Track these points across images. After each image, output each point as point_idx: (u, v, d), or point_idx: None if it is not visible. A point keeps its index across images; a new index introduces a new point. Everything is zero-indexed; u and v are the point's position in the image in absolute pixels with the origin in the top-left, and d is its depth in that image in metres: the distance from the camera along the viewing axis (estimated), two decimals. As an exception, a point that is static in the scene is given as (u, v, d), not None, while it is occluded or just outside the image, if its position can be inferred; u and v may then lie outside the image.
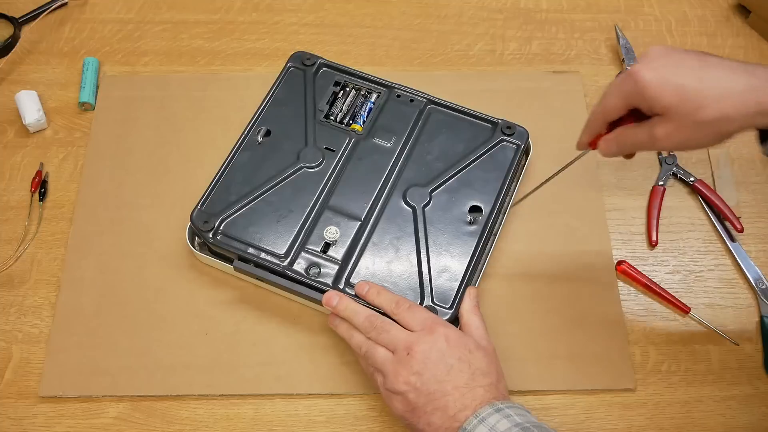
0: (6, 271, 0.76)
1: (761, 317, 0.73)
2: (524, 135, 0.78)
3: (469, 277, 0.70)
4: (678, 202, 0.80)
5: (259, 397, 0.69)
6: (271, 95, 0.81)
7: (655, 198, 0.80)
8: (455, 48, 0.92)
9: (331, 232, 0.72)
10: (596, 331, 0.72)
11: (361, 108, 0.80)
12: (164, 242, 0.76)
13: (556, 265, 0.76)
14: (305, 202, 0.74)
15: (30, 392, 0.69)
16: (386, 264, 0.71)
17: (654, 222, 0.78)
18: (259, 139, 0.78)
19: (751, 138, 0.85)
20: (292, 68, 0.83)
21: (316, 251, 0.71)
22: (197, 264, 0.75)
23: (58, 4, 0.93)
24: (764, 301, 0.74)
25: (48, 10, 0.92)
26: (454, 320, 0.68)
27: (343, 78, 0.82)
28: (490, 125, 0.79)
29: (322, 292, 0.68)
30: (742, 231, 0.78)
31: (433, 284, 0.69)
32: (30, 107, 0.83)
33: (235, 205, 0.73)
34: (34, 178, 0.80)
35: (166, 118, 0.85)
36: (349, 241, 0.72)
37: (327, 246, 0.72)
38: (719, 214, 0.79)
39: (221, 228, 0.72)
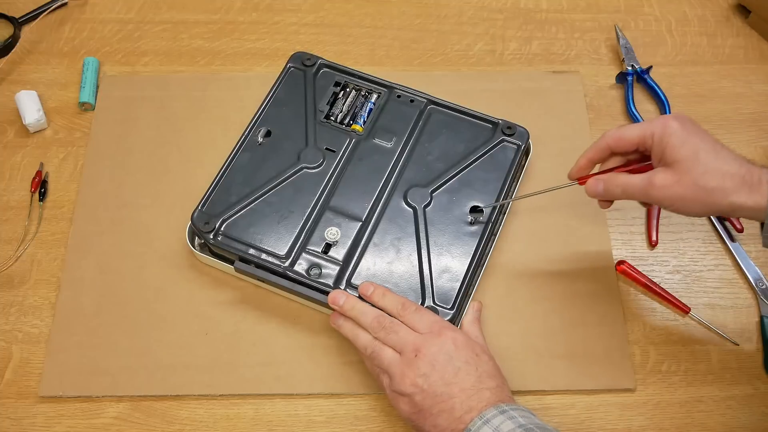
0: (6, 271, 0.75)
1: (761, 317, 0.74)
2: (524, 135, 0.78)
3: (470, 278, 0.70)
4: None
5: (259, 397, 0.69)
6: (272, 95, 0.81)
7: None
8: (455, 48, 0.92)
9: (331, 233, 0.72)
10: (596, 331, 0.72)
11: (361, 108, 0.80)
12: (164, 242, 0.76)
13: (556, 265, 0.76)
14: (306, 202, 0.74)
15: (30, 392, 0.69)
16: (387, 264, 0.71)
17: (654, 222, 0.78)
18: (260, 139, 0.78)
19: (750, 138, 0.85)
20: (292, 68, 0.83)
21: (317, 252, 0.71)
22: (197, 264, 0.75)
23: (58, 4, 0.93)
24: (764, 301, 0.74)
25: (48, 10, 0.92)
26: (456, 321, 0.68)
27: (344, 78, 0.82)
28: (490, 125, 0.79)
29: (323, 293, 0.68)
30: (742, 231, 0.78)
31: (434, 285, 0.69)
32: (30, 107, 0.83)
33: (235, 206, 0.73)
34: (34, 178, 0.80)
35: (166, 118, 0.85)
36: (349, 242, 0.72)
37: (328, 247, 0.72)
38: (719, 214, 0.79)
39: (222, 229, 0.72)
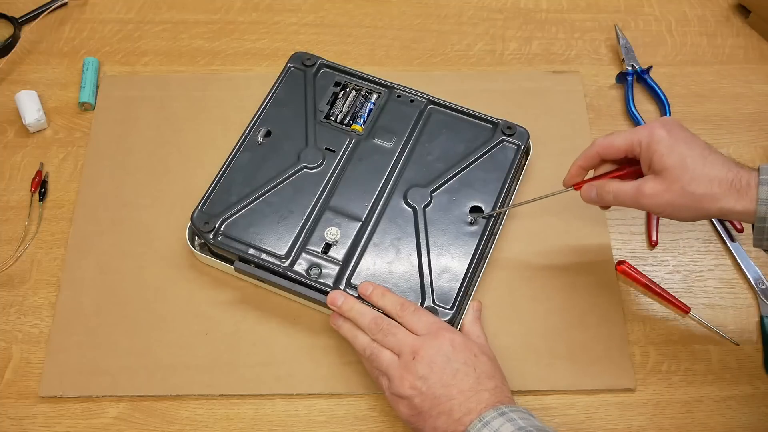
0: (6, 271, 0.75)
1: (761, 317, 0.74)
2: (524, 135, 0.78)
3: (470, 278, 0.70)
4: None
5: (259, 397, 0.69)
6: (272, 95, 0.81)
7: None
8: (455, 48, 0.92)
9: (331, 233, 0.72)
10: (596, 331, 0.72)
11: (361, 108, 0.80)
12: (164, 242, 0.76)
13: (556, 265, 0.76)
14: (306, 202, 0.74)
15: (30, 392, 0.69)
16: (387, 264, 0.71)
17: (654, 222, 0.78)
18: (260, 139, 0.78)
19: (750, 138, 0.85)
20: (292, 68, 0.83)
21: (316, 252, 0.71)
22: (197, 264, 0.75)
23: (58, 4, 0.93)
24: (764, 301, 0.74)
25: (48, 10, 0.92)
26: (455, 322, 0.68)
27: (344, 78, 0.82)
28: (490, 125, 0.79)
29: (323, 293, 0.68)
30: (742, 231, 0.78)
31: (434, 285, 0.69)
32: (30, 107, 0.83)
33: (235, 206, 0.73)
34: (34, 178, 0.80)
35: (166, 118, 0.85)
36: (349, 242, 0.72)
37: (328, 247, 0.72)
38: (719, 214, 0.79)
39: (222, 229, 0.72)
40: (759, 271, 0.76)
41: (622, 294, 0.75)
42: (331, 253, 0.71)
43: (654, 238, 0.78)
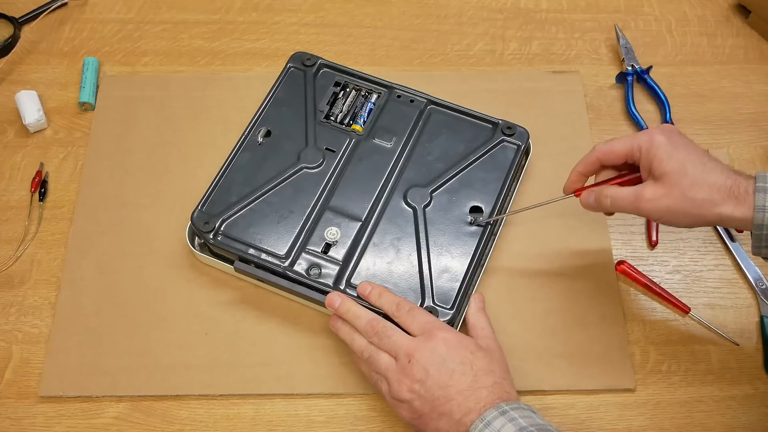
0: (6, 271, 0.75)
1: (761, 317, 0.74)
2: (524, 135, 0.78)
3: (470, 278, 0.70)
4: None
5: (259, 397, 0.69)
6: (272, 96, 0.81)
7: None
8: (455, 48, 0.92)
9: (331, 233, 0.72)
10: (596, 331, 0.72)
11: (361, 108, 0.80)
12: (164, 242, 0.76)
13: (556, 265, 0.76)
14: (306, 202, 0.74)
15: (30, 392, 0.69)
16: (387, 265, 0.71)
17: (654, 222, 0.78)
18: (260, 139, 0.78)
19: (750, 138, 0.85)
20: (292, 68, 0.83)
21: (316, 252, 0.71)
22: (197, 264, 0.75)
23: (58, 4, 0.93)
24: (764, 301, 0.74)
25: (48, 10, 0.92)
26: (455, 321, 0.68)
27: (344, 78, 0.82)
28: (490, 125, 0.79)
29: (323, 293, 0.68)
30: (742, 231, 0.78)
31: (434, 285, 0.69)
32: (30, 107, 0.83)
33: (235, 206, 0.73)
34: (34, 178, 0.80)
35: (166, 118, 0.85)
36: (349, 242, 0.72)
37: (328, 247, 0.72)
38: (719, 214, 0.79)
39: (222, 229, 0.72)
40: (759, 271, 0.76)
41: (622, 294, 0.75)
42: (331, 253, 0.71)
43: (654, 238, 0.78)
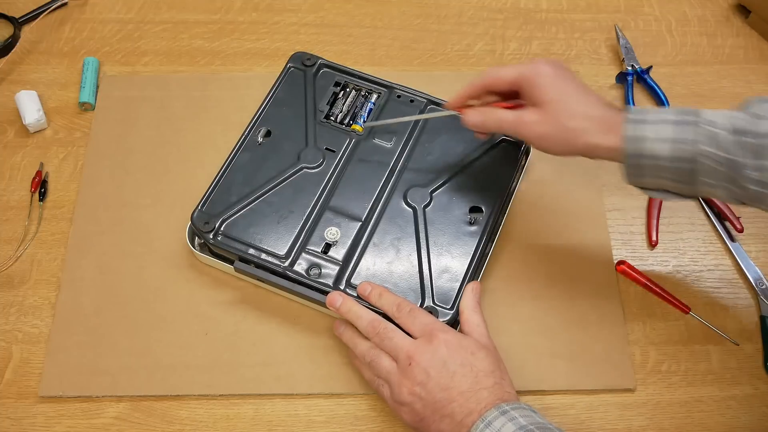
0: (6, 271, 0.76)
1: (761, 317, 0.74)
2: (524, 135, 0.78)
3: (470, 278, 0.70)
4: (678, 202, 0.80)
5: (259, 397, 0.69)
6: (272, 95, 0.81)
7: (655, 198, 0.80)
8: (455, 48, 0.92)
9: (331, 233, 0.72)
10: (596, 331, 0.72)
11: (361, 108, 0.80)
12: (164, 242, 0.76)
13: (556, 266, 0.76)
14: (306, 202, 0.74)
15: (30, 392, 0.69)
16: (387, 265, 0.71)
17: (654, 222, 0.78)
18: (260, 139, 0.78)
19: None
20: (292, 68, 0.83)
21: (316, 252, 0.71)
22: (197, 264, 0.75)
23: (58, 4, 0.93)
24: (764, 301, 0.74)
25: (48, 10, 0.92)
26: (455, 320, 0.68)
27: (344, 78, 0.82)
28: (490, 125, 0.79)
29: (323, 293, 0.68)
30: (742, 231, 0.78)
31: (434, 285, 0.69)
32: (30, 107, 0.83)
33: (235, 206, 0.73)
34: (34, 178, 0.80)
35: (166, 118, 0.85)
36: (349, 242, 0.72)
37: (328, 247, 0.72)
38: (719, 214, 0.79)
39: (222, 229, 0.72)
40: (759, 271, 0.76)
41: (622, 294, 0.75)
42: (331, 253, 0.71)
43: (654, 238, 0.78)
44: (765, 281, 0.75)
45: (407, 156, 0.77)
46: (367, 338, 0.66)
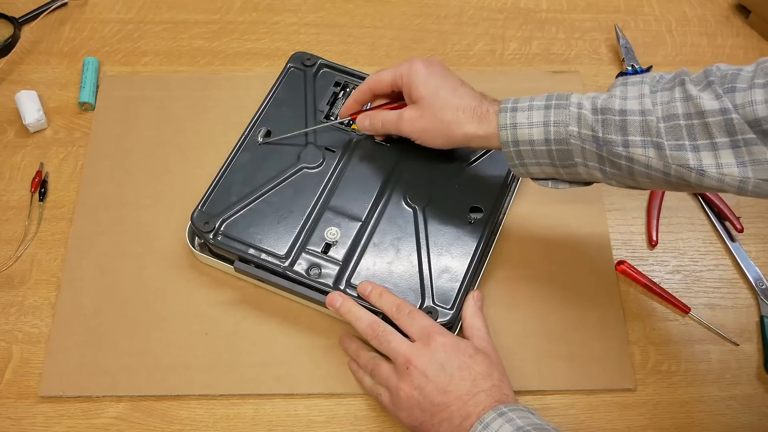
0: (6, 271, 0.75)
1: (761, 317, 0.74)
2: (524, 135, 0.78)
3: (470, 278, 0.70)
4: (678, 202, 0.81)
5: (259, 397, 0.69)
6: (272, 95, 0.81)
7: (655, 198, 0.80)
8: (455, 48, 0.92)
9: (331, 233, 0.72)
10: (596, 331, 0.72)
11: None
12: (164, 242, 0.76)
13: (556, 266, 0.76)
14: (306, 202, 0.74)
15: (30, 392, 0.69)
16: (387, 265, 0.71)
17: (654, 222, 0.79)
18: (260, 139, 0.78)
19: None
20: (292, 68, 0.83)
21: (316, 252, 0.71)
22: (197, 264, 0.75)
23: (58, 4, 0.93)
24: (764, 301, 0.74)
25: (48, 10, 0.92)
26: (455, 322, 0.68)
27: (344, 78, 0.82)
28: (490, 125, 0.79)
29: (323, 293, 0.69)
30: (742, 231, 0.78)
31: (434, 285, 0.69)
32: (30, 107, 0.83)
33: (235, 206, 0.73)
34: (34, 178, 0.80)
35: (166, 118, 0.85)
36: (349, 242, 0.72)
37: (328, 247, 0.72)
38: (719, 214, 0.79)
39: (222, 229, 0.72)
40: (759, 271, 0.76)
41: (622, 294, 0.75)
42: (331, 253, 0.71)
43: (654, 238, 0.78)
44: (765, 281, 0.75)
45: (407, 156, 0.77)
46: (369, 350, 0.67)
